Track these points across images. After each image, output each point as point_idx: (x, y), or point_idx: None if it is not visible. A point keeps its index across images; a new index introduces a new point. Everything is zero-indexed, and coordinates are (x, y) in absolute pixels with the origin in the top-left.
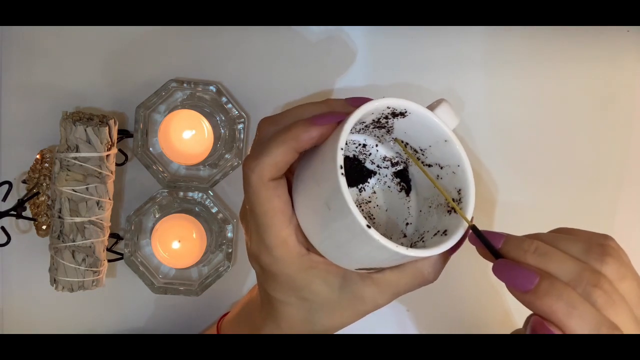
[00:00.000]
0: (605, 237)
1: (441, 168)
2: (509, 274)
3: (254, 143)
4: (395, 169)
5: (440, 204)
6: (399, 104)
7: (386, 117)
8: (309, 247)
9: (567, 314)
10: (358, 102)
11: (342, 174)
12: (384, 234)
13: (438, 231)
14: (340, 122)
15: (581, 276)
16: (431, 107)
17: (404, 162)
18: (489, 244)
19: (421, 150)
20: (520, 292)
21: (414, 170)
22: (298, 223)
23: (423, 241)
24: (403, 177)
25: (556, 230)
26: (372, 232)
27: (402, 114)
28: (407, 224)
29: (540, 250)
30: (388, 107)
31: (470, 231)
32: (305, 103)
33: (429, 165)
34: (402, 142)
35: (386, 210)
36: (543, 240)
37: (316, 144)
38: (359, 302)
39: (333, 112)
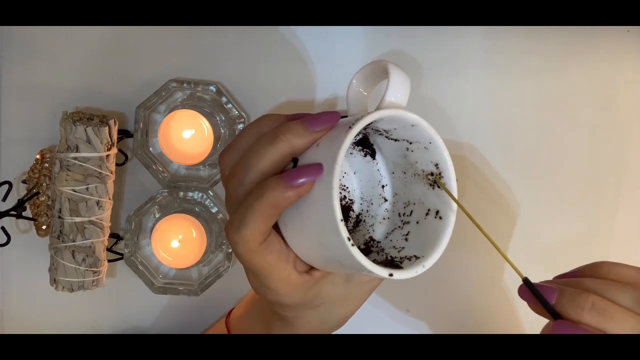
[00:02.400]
0: None
1: (410, 143)
2: None
3: (227, 203)
4: (355, 139)
5: (417, 173)
6: (367, 120)
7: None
8: (310, 268)
9: None
10: (315, 124)
11: (353, 244)
12: (362, 199)
13: (429, 210)
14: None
15: None
16: (378, 72)
17: (363, 133)
18: (544, 301)
19: (385, 130)
20: None
21: (376, 140)
22: (294, 254)
23: (417, 223)
24: (364, 144)
25: (592, 265)
26: (397, 277)
27: (371, 122)
28: (382, 186)
29: (598, 307)
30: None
31: (522, 284)
32: (257, 137)
33: (396, 140)
34: (441, 178)
35: (355, 173)
36: (591, 290)
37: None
38: (366, 285)
39: (307, 169)
